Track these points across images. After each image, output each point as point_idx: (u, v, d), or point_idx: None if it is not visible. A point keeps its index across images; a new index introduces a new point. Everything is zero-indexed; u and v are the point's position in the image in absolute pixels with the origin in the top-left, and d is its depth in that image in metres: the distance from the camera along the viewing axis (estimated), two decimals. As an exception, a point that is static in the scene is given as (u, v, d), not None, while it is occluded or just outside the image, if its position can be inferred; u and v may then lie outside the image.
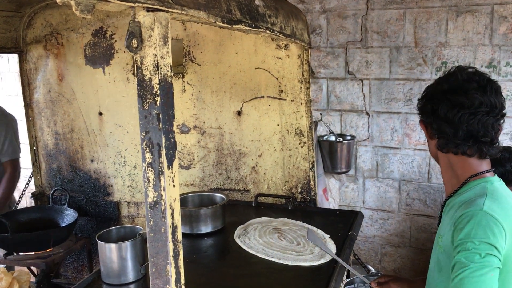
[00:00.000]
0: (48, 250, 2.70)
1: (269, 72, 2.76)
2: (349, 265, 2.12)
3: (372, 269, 2.41)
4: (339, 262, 1.93)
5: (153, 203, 1.02)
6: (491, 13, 3.38)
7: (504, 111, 1.43)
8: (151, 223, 1.03)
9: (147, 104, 0.99)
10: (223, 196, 2.52)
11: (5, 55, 4.89)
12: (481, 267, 1.24)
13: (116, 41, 3.01)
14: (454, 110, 1.40)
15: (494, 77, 3.36)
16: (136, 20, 0.96)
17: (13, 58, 4.84)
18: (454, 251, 1.33)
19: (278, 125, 2.81)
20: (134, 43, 0.96)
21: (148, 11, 0.96)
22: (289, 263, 1.99)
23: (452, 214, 1.42)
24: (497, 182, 1.44)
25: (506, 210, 1.35)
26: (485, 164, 1.46)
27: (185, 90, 2.95)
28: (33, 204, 3.37)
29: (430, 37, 3.57)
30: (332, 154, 3.61)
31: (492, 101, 1.39)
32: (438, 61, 3.57)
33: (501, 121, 1.43)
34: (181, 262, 1.07)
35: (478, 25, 3.42)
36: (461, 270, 1.26)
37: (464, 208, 1.36)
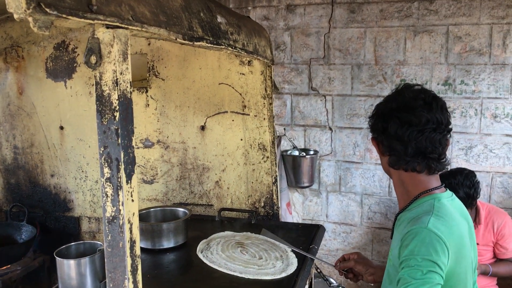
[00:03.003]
0: (5, 267, 2.62)
1: (233, 87, 2.79)
2: (312, 277, 2.14)
3: (334, 282, 2.44)
4: (306, 255, 1.95)
5: (111, 218, 1.02)
6: (446, 33, 3.52)
7: (450, 127, 1.48)
8: (109, 238, 1.03)
9: (106, 120, 1.00)
10: (186, 210, 2.52)
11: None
12: (423, 284, 1.28)
13: (78, 54, 2.98)
14: (403, 128, 1.44)
15: (450, 94, 3.49)
16: (95, 36, 0.97)
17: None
18: (399, 266, 1.36)
19: (241, 140, 2.83)
20: (93, 59, 0.97)
21: (107, 28, 0.97)
22: (251, 277, 2.00)
23: (401, 229, 1.46)
24: (446, 199, 1.49)
25: (451, 227, 1.39)
26: (434, 180, 1.50)
27: (148, 104, 2.95)
28: (-11, 221, 3.26)
29: (390, 55, 3.69)
30: (295, 169, 3.66)
31: (438, 117, 1.44)
32: (397, 79, 3.69)
33: (448, 136, 1.48)
34: (139, 277, 1.07)
35: (434, 45, 3.56)
36: (403, 285, 1.30)
37: (411, 225, 1.40)
